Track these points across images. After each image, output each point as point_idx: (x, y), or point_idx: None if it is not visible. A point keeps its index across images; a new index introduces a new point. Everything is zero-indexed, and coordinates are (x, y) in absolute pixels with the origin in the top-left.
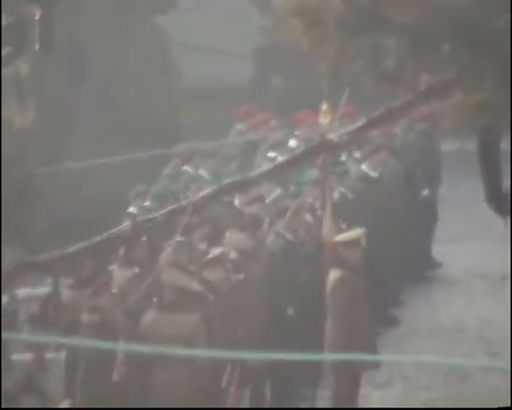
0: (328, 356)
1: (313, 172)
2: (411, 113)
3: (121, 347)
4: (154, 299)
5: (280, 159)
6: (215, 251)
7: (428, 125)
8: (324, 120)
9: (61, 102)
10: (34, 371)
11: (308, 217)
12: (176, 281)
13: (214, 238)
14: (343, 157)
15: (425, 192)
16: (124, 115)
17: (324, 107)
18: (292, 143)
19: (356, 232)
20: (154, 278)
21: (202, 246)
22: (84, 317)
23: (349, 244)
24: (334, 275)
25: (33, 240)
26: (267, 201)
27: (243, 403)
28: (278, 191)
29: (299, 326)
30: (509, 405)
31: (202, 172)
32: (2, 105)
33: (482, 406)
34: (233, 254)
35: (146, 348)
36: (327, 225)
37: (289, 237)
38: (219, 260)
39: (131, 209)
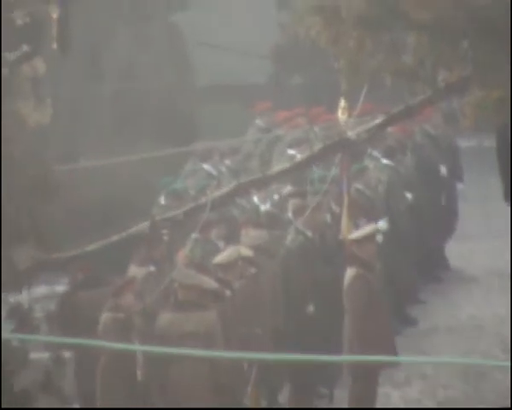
0: (345, 358)
1: (329, 171)
2: (436, 107)
3: (141, 348)
4: (171, 299)
5: (298, 156)
6: (226, 252)
7: (445, 122)
8: (342, 116)
9: (78, 99)
10: (52, 370)
11: (327, 214)
12: (191, 279)
13: (232, 236)
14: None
15: (446, 189)
16: (141, 113)
17: (342, 103)
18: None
19: (369, 228)
20: (172, 277)
21: (220, 244)
22: (106, 315)
23: (362, 241)
24: (349, 273)
25: (50, 237)
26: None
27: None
28: (289, 188)
29: (319, 324)
30: None
31: (222, 170)
32: (21, 103)
33: (500, 402)
34: (249, 252)
35: (166, 349)
36: (344, 223)
37: (308, 233)
38: (230, 263)
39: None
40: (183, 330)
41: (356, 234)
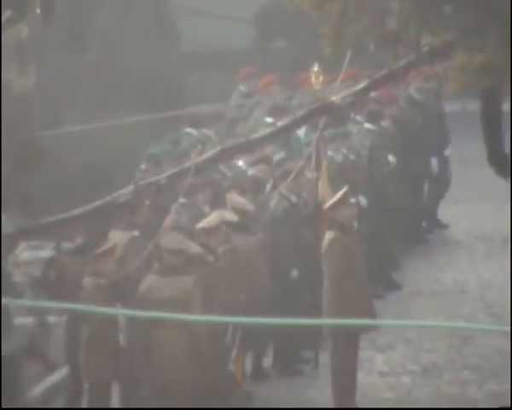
0: (327, 321)
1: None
2: (420, 71)
3: (121, 312)
4: (155, 264)
5: (279, 123)
6: (209, 218)
7: (436, 85)
8: (316, 80)
9: (63, 66)
10: (36, 335)
11: (311, 179)
12: (175, 244)
13: (217, 201)
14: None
15: (434, 158)
16: (126, 79)
17: (316, 68)
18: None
19: (341, 192)
20: (156, 242)
21: (206, 208)
22: (88, 281)
23: (336, 205)
24: (327, 237)
25: (36, 203)
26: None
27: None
28: (282, 154)
29: (303, 289)
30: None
31: (206, 135)
32: (3, 69)
33: (484, 366)
34: (233, 217)
35: (145, 313)
36: (321, 188)
37: (293, 198)
38: (214, 228)
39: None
40: (162, 295)
41: (330, 202)
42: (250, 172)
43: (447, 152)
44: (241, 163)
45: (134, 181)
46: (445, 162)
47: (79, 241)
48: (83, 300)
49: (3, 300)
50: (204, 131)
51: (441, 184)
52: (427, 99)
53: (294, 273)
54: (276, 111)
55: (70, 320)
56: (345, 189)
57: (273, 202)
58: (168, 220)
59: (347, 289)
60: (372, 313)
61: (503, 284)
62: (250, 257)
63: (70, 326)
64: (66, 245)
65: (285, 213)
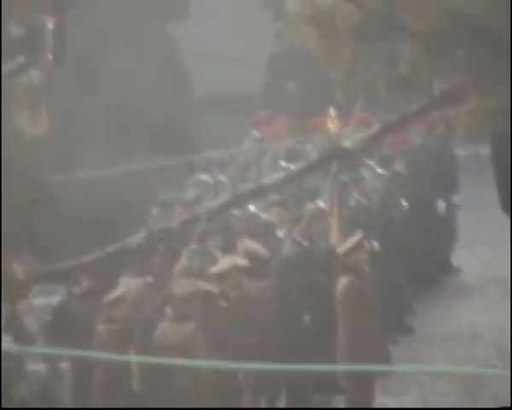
0: (340, 368)
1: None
2: (427, 117)
3: (133, 358)
4: (168, 310)
5: (292, 166)
6: (220, 263)
7: (444, 130)
8: (332, 125)
9: (75, 110)
10: (49, 381)
11: (323, 223)
12: (187, 290)
13: (228, 245)
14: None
15: (441, 201)
16: (137, 124)
17: (332, 112)
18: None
19: (356, 238)
20: (169, 289)
21: (217, 253)
22: (101, 326)
23: (351, 251)
24: (341, 282)
25: (47, 249)
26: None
27: None
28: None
29: (315, 333)
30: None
31: (219, 180)
32: (16, 115)
33: None
34: (244, 262)
35: (156, 360)
36: (334, 234)
37: (305, 243)
38: (225, 274)
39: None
40: (168, 341)
41: (344, 246)
42: (262, 216)
43: (456, 197)
44: (252, 208)
45: (146, 226)
46: (453, 207)
47: (85, 285)
48: (95, 346)
49: (16, 347)
50: (216, 175)
51: (451, 228)
52: (436, 143)
53: (306, 318)
54: (290, 155)
55: (79, 366)
56: (360, 234)
57: (285, 247)
58: (179, 266)
59: (362, 335)
60: (387, 359)
61: None
62: (261, 301)
63: (79, 372)
64: (76, 290)
65: (297, 258)
